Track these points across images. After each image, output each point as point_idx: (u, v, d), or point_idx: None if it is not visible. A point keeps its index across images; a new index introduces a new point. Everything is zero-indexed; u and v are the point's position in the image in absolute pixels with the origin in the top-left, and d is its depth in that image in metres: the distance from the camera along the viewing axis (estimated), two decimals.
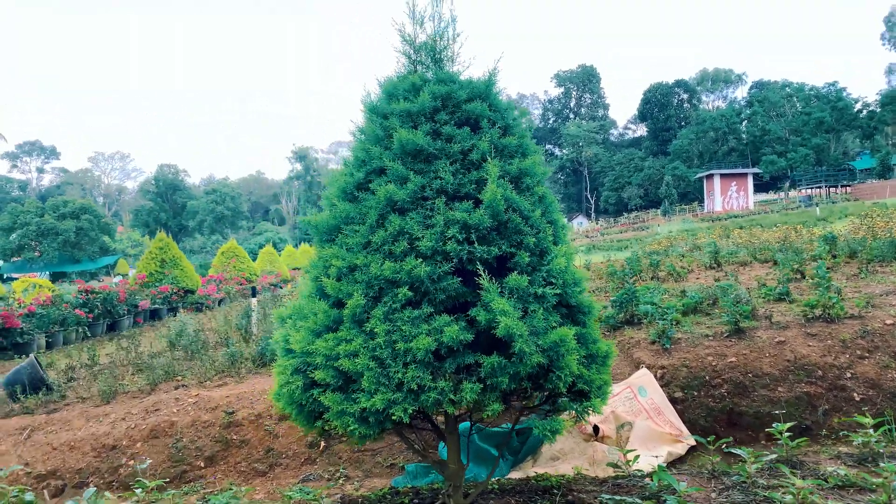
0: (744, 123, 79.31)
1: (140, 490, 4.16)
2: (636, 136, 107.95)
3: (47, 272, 52.35)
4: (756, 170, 64.63)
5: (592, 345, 3.62)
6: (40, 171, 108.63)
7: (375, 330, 3.23)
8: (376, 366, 3.20)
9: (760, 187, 69.26)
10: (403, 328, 3.21)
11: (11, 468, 4.50)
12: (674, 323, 6.32)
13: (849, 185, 51.89)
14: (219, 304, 20.52)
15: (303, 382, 3.43)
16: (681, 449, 5.08)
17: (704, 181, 61.38)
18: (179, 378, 7.27)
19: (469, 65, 3.97)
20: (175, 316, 17.57)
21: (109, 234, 57.63)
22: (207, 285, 20.16)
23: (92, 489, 4.13)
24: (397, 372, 3.18)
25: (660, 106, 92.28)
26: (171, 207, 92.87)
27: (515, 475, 4.87)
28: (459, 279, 3.31)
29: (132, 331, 14.51)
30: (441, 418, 4.28)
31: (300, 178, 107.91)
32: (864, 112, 72.96)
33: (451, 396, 3.21)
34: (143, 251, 67.61)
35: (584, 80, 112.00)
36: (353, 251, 3.46)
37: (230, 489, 5.01)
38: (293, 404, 3.52)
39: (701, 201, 63.44)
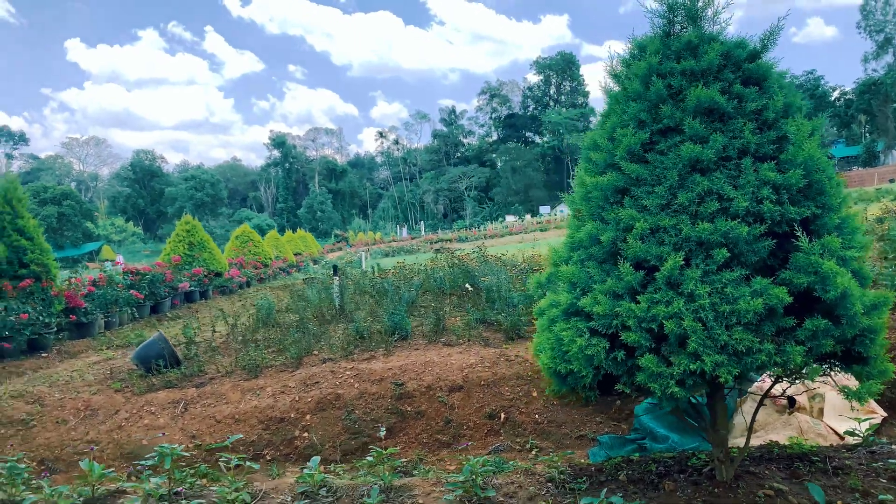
0: None
1: (372, 457, 4.08)
2: None
3: None
4: None
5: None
6: (9, 157, 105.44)
7: (697, 292, 3.16)
8: (701, 328, 3.13)
9: None
10: (726, 290, 3.15)
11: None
12: None
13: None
14: (240, 288, 20.21)
15: (607, 345, 3.35)
16: (877, 420, 5.12)
17: None
18: (316, 353, 7.15)
19: (727, 25, 3.89)
20: (206, 299, 17.29)
21: (92, 220, 56.37)
22: (230, 269, 19.83)
23: (316, 458, 4.04)
24: (721, 334, 3.12)
25: None
26: (148, 194, 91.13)
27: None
28: (774, 241, 3.25)
29: (174, 312, 14.23)
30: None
31: (278, 165, 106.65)
32: (842, 100, 74.42)
33: (777, 359, 3.16)
34: (126, 237, 66.32)
35: (564, 68, 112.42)
36: (652, 212, 3.38)
37: (420, 460, 4.93)
38: (590, 367, 3.43)
39: None
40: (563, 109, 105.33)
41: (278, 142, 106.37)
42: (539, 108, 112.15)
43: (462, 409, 5.51)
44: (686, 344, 3.15)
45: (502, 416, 5.43)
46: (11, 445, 5.30)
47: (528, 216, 74.58)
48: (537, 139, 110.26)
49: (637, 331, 3.24)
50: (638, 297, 3.28)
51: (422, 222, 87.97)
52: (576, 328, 3.48)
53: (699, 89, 3.40)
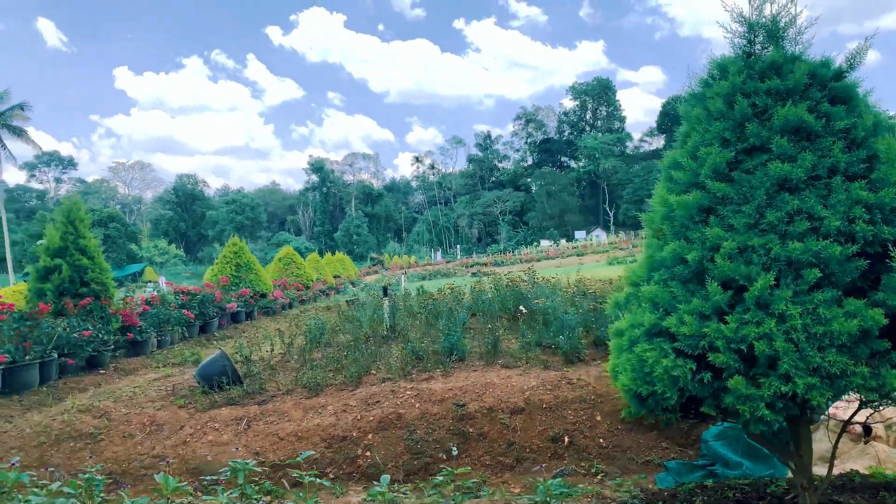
0: None
1: (441, 477, 4.05)
2: (652, 149, 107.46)
3: None
4: None
5: None
6: (58, 180, 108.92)
7: (788, 312, 3.10)
8: (793, 349, 3.06)
9: None
10: (818, 311, 3.08)
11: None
12: None
13: None
14: (283, 309, 20.41)
15: (693, 366, 3.30)
16: None
17: None
18: (374, 372, 7.19)
19: (809, 45, 3.85)
20: (251, 320, 17.49)
21: (136, 242, 57.77)
22: (274, 290, 20.07)
23: (386, 477, 4.03)
24: (813, 356, 3.04)
25: (679, 118, 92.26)
26: (190, 217, 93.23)
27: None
28: (867, 261, 3.18)
29: (221, 332, 14.44)
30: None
31: (316, 189, 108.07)
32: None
33: (871, 383, 3.08)
34: (168, 259, 67.71)
35: (600, 93, 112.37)
36: (739, 232, 3.34)
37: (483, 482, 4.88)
38: (675, 389, 3.37)
39: None
40: (600, 134, 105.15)
41: (317, 167, 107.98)
42: (575, 133, 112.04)
43: (524, 432, 5.46)
44: (777, 366, 3.09)
45: (566, 439, 5.35)
46: (91, 457, 5.41)
47: (562, 241, 74.24)
48: (573, 164, 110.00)
49: (726, 352, 3.19)
50: (726, 317, 3.23)
51: (457, 246, 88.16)
52: (660, 349, 3.44)
53: (787, 108, 3.37)
